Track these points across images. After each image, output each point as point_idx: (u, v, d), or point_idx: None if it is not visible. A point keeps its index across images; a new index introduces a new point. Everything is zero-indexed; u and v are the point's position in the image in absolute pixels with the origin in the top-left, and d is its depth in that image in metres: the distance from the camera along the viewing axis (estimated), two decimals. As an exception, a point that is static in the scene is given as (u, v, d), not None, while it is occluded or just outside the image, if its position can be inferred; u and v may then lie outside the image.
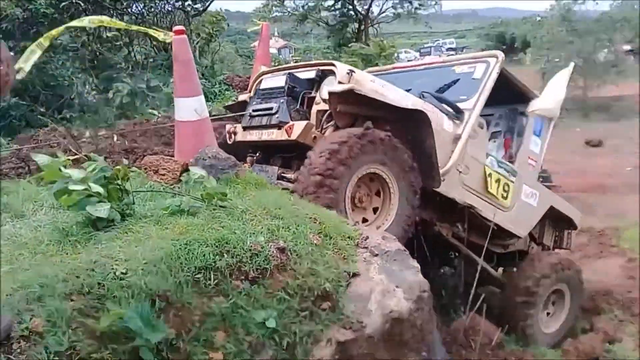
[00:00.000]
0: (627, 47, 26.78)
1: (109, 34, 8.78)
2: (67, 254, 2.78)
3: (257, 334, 2.80)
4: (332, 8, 28.51)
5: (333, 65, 4.91)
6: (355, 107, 4.68)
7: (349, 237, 3.58)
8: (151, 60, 9.19)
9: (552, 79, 6.31)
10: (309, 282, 3.07)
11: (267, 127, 4.94)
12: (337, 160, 4.25)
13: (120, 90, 7.27)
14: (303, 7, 29.07)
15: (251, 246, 3.02)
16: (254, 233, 3.14)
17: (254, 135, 5.10)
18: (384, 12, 30.25)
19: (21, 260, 2.73)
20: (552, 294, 6.44)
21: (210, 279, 2.82)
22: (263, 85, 5.29)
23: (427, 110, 4.88)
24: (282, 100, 4.98)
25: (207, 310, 2.75)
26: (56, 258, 2.74)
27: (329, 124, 4.81)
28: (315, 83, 5.06)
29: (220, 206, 3.32)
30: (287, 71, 5.20)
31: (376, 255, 3.46)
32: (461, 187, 5.42)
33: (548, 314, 6.54)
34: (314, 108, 4.97)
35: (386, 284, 3.26)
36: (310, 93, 5.03)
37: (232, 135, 5.27)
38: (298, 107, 4.98)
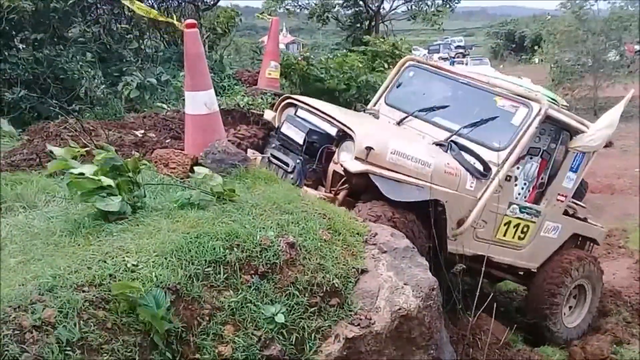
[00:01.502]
0: (638, 47, 26.61)
1: (119, 27, 8.79)
2: (79, 245, 2.81)
3: (266, 329, 2.82)
4: (345, 5, 28.46)
5: (353, 132, 4.83)
6: (370, 181, 4.61)
7: (357, 234, 3.58)
8: (161, 53, 9.19)
9: (607, 112, 5.91)
10: (317, 277, 3.08)
11: (282, 180, 4.95)
12: None
13: (130, 83, 7.28)
14: (316, 3, 28.99)
15: (261, 241, 3.04)
16: (263, 228, 3.15)
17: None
18: (394, 9, 30.19)
19: (34, 250, 2.76)
20: (575, 289, 6.43)
21: (220, 273, 2.83)
22: (284, 130, 5.24)
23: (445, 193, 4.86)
24: (298, 160, 4.99)
25: (216, 303, 2.77)
26: (68, 249, 2.76)
27: (343, 187, 4.84)
28: (335, 139, 5.02)
29: (230, 200, 3.33)
30: (307, 125, 5.09)
31: (385, 252, 3.46)
32: (473, 240, 5.33)
33: (570, 307, 6.55)
34: (331, 167, 4.97)
35: (395, 281, 3.27)
36: (330, 148, 5.00)
37: None
38: (315, 165, 4.98)
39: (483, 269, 4.10)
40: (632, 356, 6.24)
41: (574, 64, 23.52)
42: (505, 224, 5.53)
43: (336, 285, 3.12)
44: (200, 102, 4.08)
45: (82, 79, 7.28)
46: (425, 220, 4.56)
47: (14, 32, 7.58)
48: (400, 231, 4.13)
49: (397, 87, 6.28)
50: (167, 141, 5.78)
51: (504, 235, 5.59)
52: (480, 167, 5.13)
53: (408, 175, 4.76)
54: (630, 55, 24.38)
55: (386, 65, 10.95)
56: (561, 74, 23.40)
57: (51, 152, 3.13)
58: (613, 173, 13.62)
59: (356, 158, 4.65)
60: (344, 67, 9.44)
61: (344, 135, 4.93)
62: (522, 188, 5.93)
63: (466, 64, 33.81)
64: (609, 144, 17.44)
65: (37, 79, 7.16)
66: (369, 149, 4.65)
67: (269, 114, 5.69)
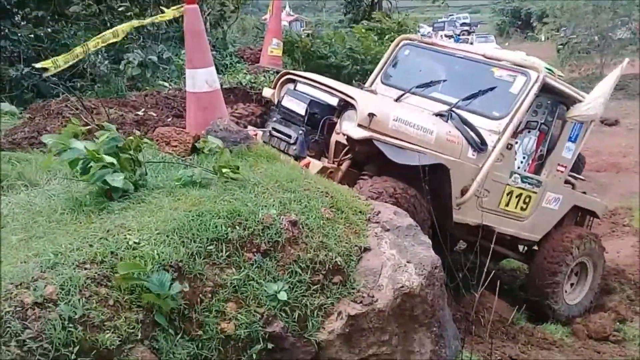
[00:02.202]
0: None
1: (120, 4, 8.72)
2: (80, 223, 2.80)
3: (269, 306, 2.82)
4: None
5: (354, 100, 4.82)
6: (373, 148, 4.62)
7: (360, 212, 3.57)
8: (162, 31, 9.11)
9: (601, 81, 5.89)
10: (320, 255, 3.07)
11: (284, 153, 4.91)
12: None
13: (131, 61, 7.24)
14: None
15: (263, 219, 3.03)
16: (265, 206, 3.14)
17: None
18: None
19: (35, 228, 2.76)
20: (576, 266, 6.45)
21: (222, 251, 2.83)
22: (285, 103, 5.21)
23: (448, 158, 4.84)
24: (300, 131, 4.97)
25: (219, 281, 2.77)
26: (70, 227, 2.76)
27: (346, 157, 4.84)
28: (336, 110, 5.00)
29: (232, 178, 3.31)
30: (308, 97, 5.07)
31: (388, 230, 3.45)
32: (476, 209, 5.33)
33: (572, 285, 6.58)
34: (334, 137, 4.98)
35: (397, 259, 3.26)
36: (332, 119, 4.99)
37: None
38: (317, 136, 4.97)
39: (492, 244, 4.12)
40: (635, 333, 6.25)
41: (581, 41, 23.31)
42: (507, 194, 5.56)
43: (339, 263, 3.12)
44: (201, 79, 4.04)
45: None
46: (428, 194, 4.55)
47: (15, 9, 7.53)
48: (402, 207, 4.13)
49: (393, 66, 6.28)
50: (169, 119, 5.76)
51: (507, 206, 5.61)
52: (478, 140, 5.15)
53: (410, 143, 4.75)
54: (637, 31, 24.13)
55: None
56: (567, 51, 23.19)
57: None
58: (618, 151, 13.55)
59: (359, 125, 4.64)
60: (348, 42, 9.35)
61: (346, 105, 4.92)
62: (522, 162, 5.93)
63: (471, 42, 33.54)
64: (614, 122, 17.39)
65: (38, 56, 7.12)
66: (371, 115, 4.64)
67: (267, 92, 5.67)
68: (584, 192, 6.90)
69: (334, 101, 4.99)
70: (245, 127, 5.31)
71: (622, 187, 11.13)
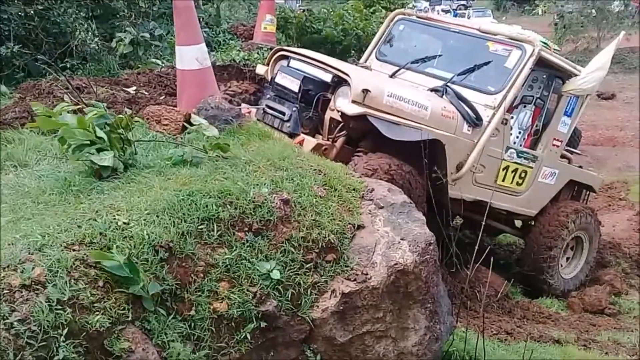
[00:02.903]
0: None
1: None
2: (69, 203, 2.77)
3: (262, 285, 2.80)
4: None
5: (348, 76, 4.77)
6: (368, 125, 4.59)
7: (353, 189, 3.53)
8: (155, 8, 8.99)
9: (597, 54, 5.88)
10: (313, 234, 3.05)
11: (278, 130, 4.88)
12: None
13: (123, 39, 7.14)
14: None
15: (254, 198, 2.99)
16: (257, 184, 3.10)
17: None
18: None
19: (24, 209, 2.72)
20: (572, 240, 6.46)
21: (213, 230, 2.80)
22: (278, 80, 5.17)
23: (443, 133, 4.80)
24: (294, 108, 4.93)
25: (210, 261, 2.74)
26: (58, 207, 2.72)
27: (341, 133, 4.81)
28: (330, 86, 4.96)
29: (223, 157, 3.27)
30: (302, 73, 5.02)
31: (381, 207, 3.42)
32: (472, 185, 5.33)
33: (567, 259, 6.60)
34: (328, 114, 4.94)
35: (391, 236, 3.24)
36: (326, 95, 4.95)
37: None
38: (311, 113, 4.93)
39: (484, 219, 4.13)
40: (630, 306, 6.29)
41: (578, 15, 23.09)
42: (503, 169, 5.56)
43: (332, 241, 3.09)
44: (191, 56, 3.98)
45: (76, 31, 7.12)
46: (423, 170, 4.53)
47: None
48: (397, 183, 4.11)
49: (388, 41, 6.22)
50: (161, 98, 5.70)
51: (503, 181, 5.61)
52: (473, 115, 5.12)
53: (405, 119, 4.72)
54: (635, 6, 23.92)
55: (384, 13, 10.68)
56: (563, 24, 22.99)
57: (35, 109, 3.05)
58: (615, 125, 13.52)
59: (353, 102, 4.60)
60: (343, 17, 9.22)
61: (339, 82, 4.88)
62: (517, 137, 5.91)
63: (468, 17, 33.23)
64: (611, 96, 17.32)
65: (29, 35, 7.02)
66: (365, 91, 4.60)
67: (261, 69, 5.62)
68: (580, 166, 6.89)
69: (327, 77, 4.94)
70: (239, 104, 5.26)
71: (618, 160, 11.13)
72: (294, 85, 4.96)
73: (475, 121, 5.10)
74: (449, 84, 5.28)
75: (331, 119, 4.91)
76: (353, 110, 4.55)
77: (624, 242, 7.68)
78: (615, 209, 8.92)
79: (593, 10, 23.16)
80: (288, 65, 5.25)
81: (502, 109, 5.15)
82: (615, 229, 8.06)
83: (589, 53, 20.49)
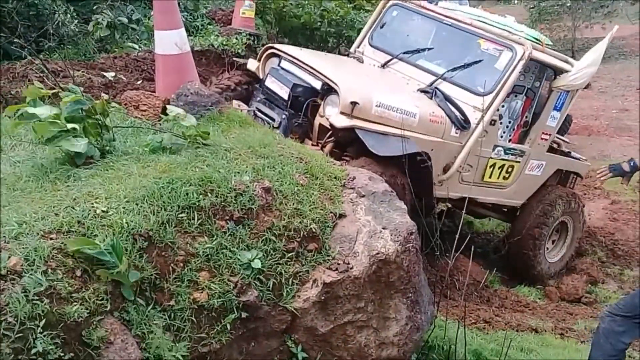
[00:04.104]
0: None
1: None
2: (46, 190, 2.69)
3: (242, 275, 2.77)
4: None
5: (337, 87, 4.76)
6: (356, 135, 4.61)
7: (335, 178, 3.51)
8: (132, -9, 8.81)
9: (590, 50, 5.86)
10: (294, 222, 3.02)
11: None
12: None
13: (100, 22, 6.98)
14: None
15: (235, 186, 2.95)
16: (238, 172, 3.06)
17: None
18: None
19: (-2, 197, 2.64)
20: (557, 225, 6.54)
21: (193, 219, 2.75)
22: (268, 84, 5.17)
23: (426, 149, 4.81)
24: (284, 115, 4.95)
25: (191, 250, 2.70)
26: (35, 195, 2.65)
27: (330, 139, 4.84)
28: (319, 93, 4.96)
29: (204, 144, 3.22)
30: (292, 80, 5.02)
31: (363, 196, 3.40)
32: (459, 184, 5.36)
33: (553, 242, 6.68)
34: (317, 120, 4.96)
35: (373, 225, 3.22)
36: (315, 101, 4.97)
37: None
38: (301, 119, 4.95)
39: (464, 211, 4.14)
40: (607, 295, 6.38)
41: (553, 5, 23.21)
42: (490, 166, 5.58)
43: (314, 230, 3.07)
44: (170, 41, 3.90)
45: (54, 13, 6.94)
46: (409, 185, 4.57)
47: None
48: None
49: (381, 27, 6.18)
50: (138, 82, 5.60)
51: (490, 177, 5.65)
52: (461, 118, 5.13)
53: (394, 127, 4.72)
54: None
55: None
56: (539, 14, 23.09)
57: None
58: (590, 114, 13.67)
59: (341, 113, 4.61)
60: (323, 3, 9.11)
61: (329, 89, 4.86)
62: (507, 126, 5.93)
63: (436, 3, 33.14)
64: (587, 86, 17.52)
65: (3, 17, 6.83)
66: (354, 103, 4.61)
67: (252, 64, 5.59)
68: (569, 152, 6.94)
69: (317, 84, 4.97)
70: (232, 99, 5.27)
71: (593, 149, 11.24)
72: (283, 92, 4.99)
73: (463, 124, 5.11)
74: (437, 86, 5.27)
75: (320, 125, 4.93)
76: (341, 123, 4.60)
77: (599, 230, 7.78)
78: (590, 197, 9.03)
79: (568, 0, 23.29)
80: (279, 65, 5.24)
81: (491, 111, 5.17)
82: (590, 217, 8.15)
83: (564, 43, 20.70)
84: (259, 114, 5.18)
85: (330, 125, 4.72)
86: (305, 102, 4.94)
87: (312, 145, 4.90)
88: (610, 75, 17.66)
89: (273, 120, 5.03)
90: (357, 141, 4.64)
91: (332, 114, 4.72)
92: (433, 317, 3.59)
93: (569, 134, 12.19)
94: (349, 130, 4.62)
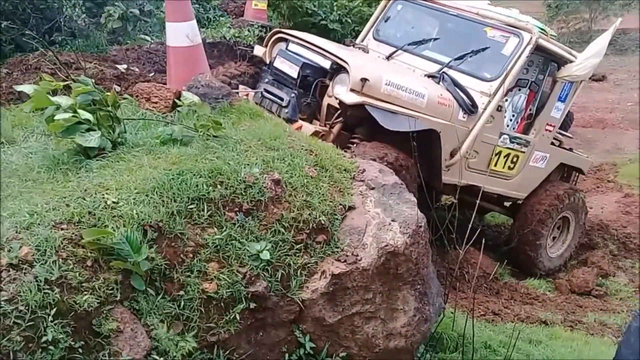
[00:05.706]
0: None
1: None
2: (57, 182, 2.73)
3: (251, 266, 2.79)
4: None
5: (347, 64, 4.76)
6: (365, 113, 4.61)
7: (345, 170, 3.51)
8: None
9: (593, 41, 5.88)
10: (304, 214, 3.03)
11: (276, 115, 4.85)
12: None
13: (112, 14, 7.03)
14: None
15: (245, 177, 2.97)
16: (248, 164, 3.07)
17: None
18: None
19: (11, 187, 2.68)
20: (559, 220, 6.53)
21: (203, 210, 2.77)
22: (277, 64, 5.15)
23: (438, 123, 4.80)
24: (293, 94, 4.93)
25: (200, 241, 2.72)
26: (46, 186, 2.68)
27: (338, 120, 4.84)
28: (328, 73, 4.95)
29: (214, 136, 3.24)
30: (301, 59, 5.01)
31: (372, 188, 3.41)
32: (464, 170, 5.35)
33: (554, 238, 6.66)
34: (325, 100, 4.96)
35: (382, 217, 3.23)
36: (324, 81, 4.96)
37: None
38: (309, 99, 4.94)
39: (478, 201, 4.14)
40: (617, 288, 6.35)
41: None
42: (496, 154, 5.57)
43: (323, 222, 3.08)
44: (181, 33, 3.92)
45: (63, 7, 6.99)
46: (418, 161, 4.55)
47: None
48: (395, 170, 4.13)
49: (385, 21, 6.18)
50: (150, 74, 5.63)
51: (495, 165, 5.64)
52: (469, 102, 5.11)
53: (402, 107, 4.73)
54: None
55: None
56: (557, 5, 22.88)
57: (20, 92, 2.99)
58: (605, 107, 13.53)
59: (351, 90, 4.60)
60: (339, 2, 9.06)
61: (338, 68, 4.87)
62: (511, 120, 5.93)
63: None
64: (602, 78, 17.32)
65: (16, 10, 6.88)
66: (364, 80, 4.61)
67: (259, 50, 5.60)
68: (571, 149, 6.93)
69: (326, 64, 4.95)
70: (237, 87, 5.25)
71: (607, 143, 11.16)
72: (292, 71, 4.97)
73: (470, 108, 5.11)
74: (445, 71, 5.27)
75: (329, 105, 4.93)
76: (351, 99, 4.58)
77: (611, 224, 7.73)
78: (603, 191, 8.97)
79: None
80: (287, 49, 5.23)
81: (498, 97, 5.16)
82: (603, 210, 8.11)
83: (582, 34, 20.50)
84: (267, 94, 5.16)
85: (340, 103, 4.71)
86: (314, 82, 4.94)
87: (320, 125, 4.88)
88: (626, 67, 17.46)
89: (281, 99, 5.01)
90: (366, 121, 4.63)
91: (341, 92, 4.71)
92: (441, 309, 3.60)
93: (583, 126, 12.15)
94: (358, 108, 4.60)
